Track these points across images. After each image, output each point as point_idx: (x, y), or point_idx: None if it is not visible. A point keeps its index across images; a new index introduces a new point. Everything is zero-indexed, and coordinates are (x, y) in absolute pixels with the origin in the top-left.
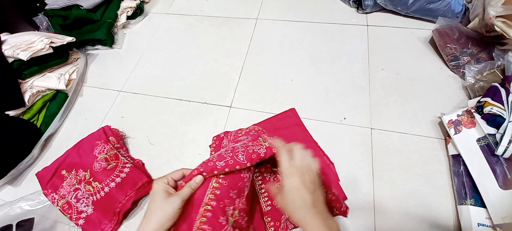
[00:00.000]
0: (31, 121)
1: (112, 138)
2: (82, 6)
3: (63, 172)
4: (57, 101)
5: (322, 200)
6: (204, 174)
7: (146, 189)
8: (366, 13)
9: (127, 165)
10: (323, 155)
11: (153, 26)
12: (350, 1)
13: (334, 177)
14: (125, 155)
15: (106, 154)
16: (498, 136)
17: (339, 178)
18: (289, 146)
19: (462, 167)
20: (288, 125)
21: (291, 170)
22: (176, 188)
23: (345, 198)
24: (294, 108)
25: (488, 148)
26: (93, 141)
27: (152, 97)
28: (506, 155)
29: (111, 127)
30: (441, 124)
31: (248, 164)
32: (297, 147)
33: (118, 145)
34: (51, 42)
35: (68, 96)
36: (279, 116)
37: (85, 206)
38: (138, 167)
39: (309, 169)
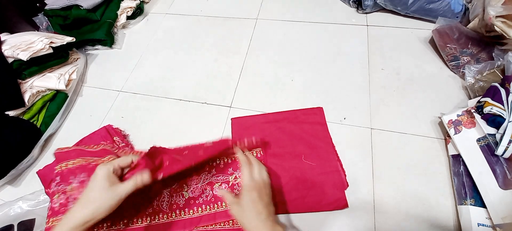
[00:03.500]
0: (31, 121)
1: (116, 138)
2: (82, 6)
3: None
4: (57, 101)
5: (273, 211)
6: (161, 176)
7: None
8: (366, 13)
9: None
10: (337, 160)
11: (153, 26)
12: (350, 1)
13: (341, 184)
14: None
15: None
16: (498, 136)
17: (348, 184)
18: (249, 160)
19: (462, 167)
20: (311, 121)
21: (252, 184)
22: (122, 176)
23: (346, 206)
24: (321, 107)
25: (488, 148)
26: (98, 140)
27: (152, 97)
28: (506, 155)
29: (113, 126)
30: (441, 124)
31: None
32: (256, 161)
33: (123, 144)
34: (51, 42)
35: (68, 96)
36: (305, 110)
37: None
38: None
39: (266, 184)
